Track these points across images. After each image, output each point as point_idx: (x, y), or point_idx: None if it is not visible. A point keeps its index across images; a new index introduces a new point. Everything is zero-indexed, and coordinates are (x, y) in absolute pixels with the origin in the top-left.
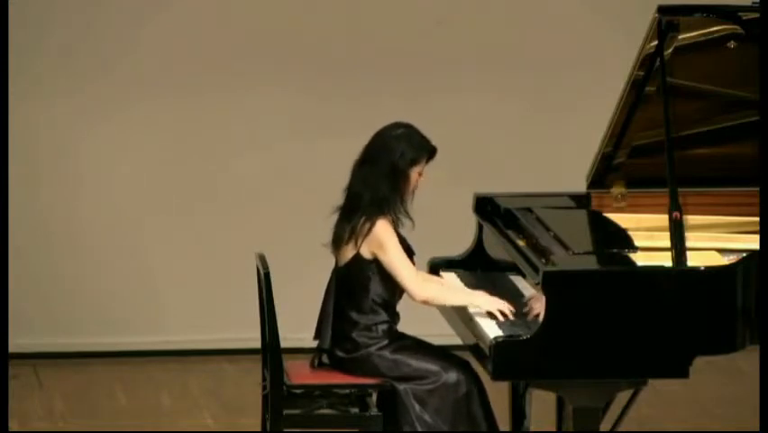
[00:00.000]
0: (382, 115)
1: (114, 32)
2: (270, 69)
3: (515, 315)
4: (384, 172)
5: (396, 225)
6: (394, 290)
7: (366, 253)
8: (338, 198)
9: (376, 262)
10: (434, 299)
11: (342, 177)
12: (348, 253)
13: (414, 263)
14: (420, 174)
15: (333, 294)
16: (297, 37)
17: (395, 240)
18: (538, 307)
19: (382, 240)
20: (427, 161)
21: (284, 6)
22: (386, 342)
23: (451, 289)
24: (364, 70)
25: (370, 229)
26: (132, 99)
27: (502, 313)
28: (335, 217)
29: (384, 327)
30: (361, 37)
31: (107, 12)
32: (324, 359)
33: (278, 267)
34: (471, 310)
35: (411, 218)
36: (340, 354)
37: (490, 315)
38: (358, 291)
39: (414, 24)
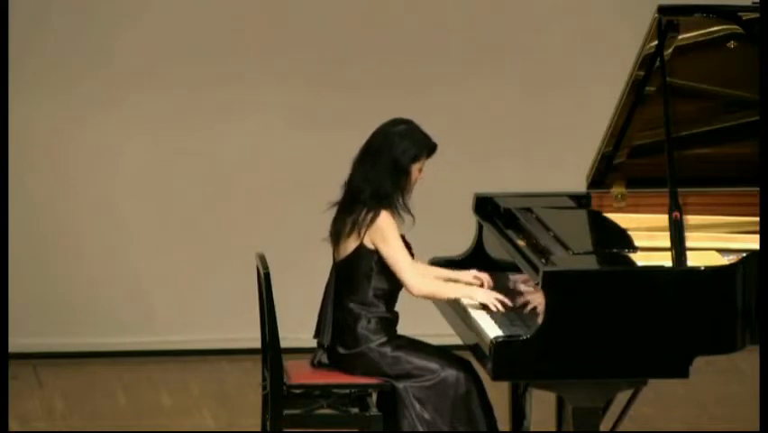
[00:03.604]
0: (381, 110)
1: (107, 29)
2: (264, 63)
3: (513, 311)
4: (385, 168)
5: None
6: (395, 281)
7: (369, 243)
8: (339, 195)
9: (378, 253)
10: (432, 293)
11: (342, 173)
12: (350, 245)
13: (413, 258)
14: (420, 170)
15: (333, 289)
16: (292, 31)
17: (397, 233)
18: (536, 299)
19: (385, 231)
20: (427, 157)
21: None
22: (385, 338)
23: (447, 283)
24: (361, 64)
25: (373, 219)
26: (124, 97)
27: (503, 305)
28: (333, 212)
29: (383, 319)
30: (358, 31)
31: (100, 9)
32: (324, 359)
33: (278, 267)
34: (469, 309)
35: (411, 214)
36: (340, 349)
37: (487, 308)
38: (360, 282)
39: (412, 18)
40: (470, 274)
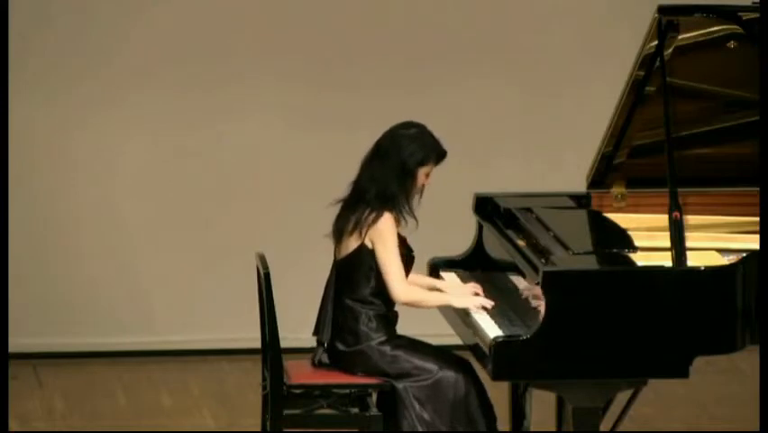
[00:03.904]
0: (381, 110)
1: (107, 29)
2: (264, 63)
3: (512, 311)
4: (393, 170)
5: (398, 224)
6: None
7: (369, 243)
8: (339, 195)
9: None
10: (416, 302)
11: (343, 173)
12: (351, 244)
13: (413, 260)
14: (427, 176)
15: (333, 287)
16: (292, 31)
17: (395, 238)
18: (536, 299)
19: (384, 233)
20: (436, 164)
21: None
22: (385, 337)
23: (430, 292)
24: (362, 64)
25: (375, 220)
26: (124, 97)
27: (484, 307)
28: (335, 209)
29: (383, 317)
30: (358, 31)
31: (100, 10)
32: (324, 358)
33: (278, 267)
34: (471, 310)
35: (415, 218)
36: (340, 347)
37: (485, 309)
38: (360, 281)
39: (412, 18)
40: (457, 295)
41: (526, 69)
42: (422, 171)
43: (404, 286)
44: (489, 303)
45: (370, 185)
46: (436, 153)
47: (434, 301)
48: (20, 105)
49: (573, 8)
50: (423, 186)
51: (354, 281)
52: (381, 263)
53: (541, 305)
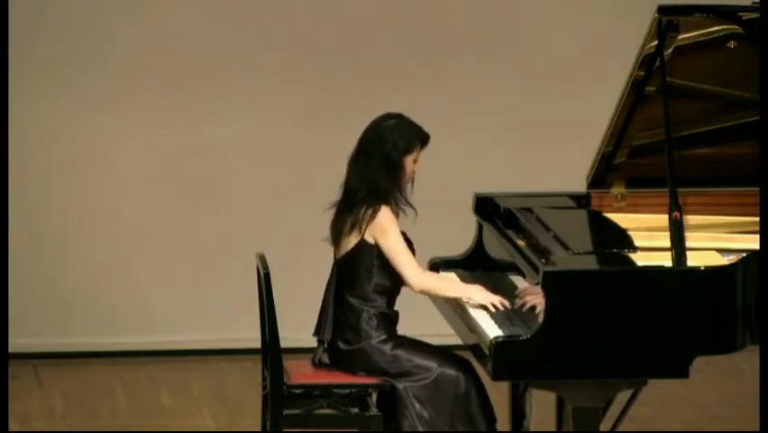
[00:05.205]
0: (381, 108)
1: (107, 29)
2: (264, 63)
3: (512, 311)
4: (379, 165)
5: (397, 216)
6: (396, 277)
7: (370, 238)
8: (339, 195)
9: (379, 249)
10: (432, 289)
11: (343, 172)
12: (350, 242)
13: (414, 254)
14: (415, 161)
15: (334, 285)
16: (292, 30)
17: (397, 228)
18: (533, 299)
19: (385, 226)
20: (421, 148)
21: None
22: (385, 336)
23: (448, 282)
24: (362, 63)
25: (373, 215)
26: (124, 98)
27: (502, 306)
28: (332, 213)
29: (384, 315)
30: (358, 30)
31: (100, 9)
32: (325, 358)
33: (278, 267)
34: (469, 309)
35: (413, 206)
36: (341, 345)
37: (486, 308)
38: (360, 277)
39: (413, 16)
40: (477, 289)
41: (527, 68)
42: (409, 159)
43: (418, 273)
44: (505, 303)
45: (360, 184)
46: (419, 138)
47: (450, 291)
48: (20, 105)
49: (574, 8)
50: (413, 173)
51: (355, 278)
52: (390, 256)
53: (541, 304)
